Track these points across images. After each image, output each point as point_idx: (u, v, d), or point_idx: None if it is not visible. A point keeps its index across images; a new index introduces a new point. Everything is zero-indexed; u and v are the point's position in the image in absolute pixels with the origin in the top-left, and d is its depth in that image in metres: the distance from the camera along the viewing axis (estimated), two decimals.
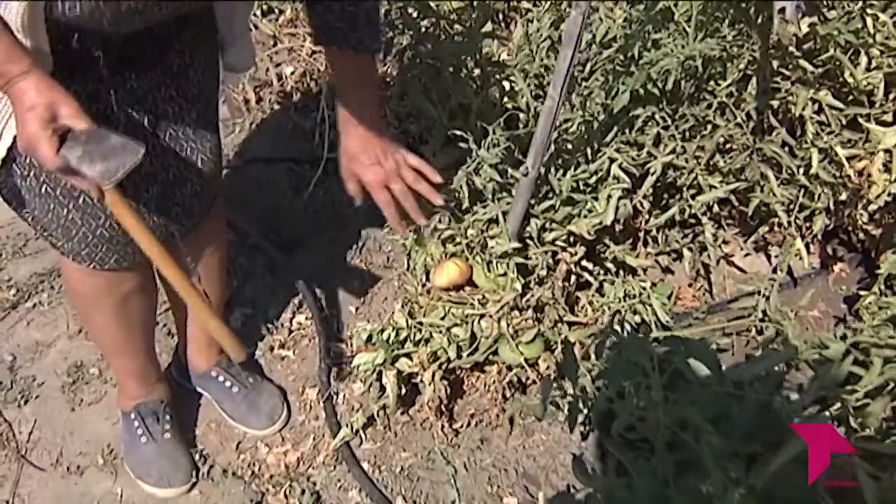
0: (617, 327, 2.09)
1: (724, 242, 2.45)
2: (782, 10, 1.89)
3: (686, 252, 2.36)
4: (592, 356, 2.01)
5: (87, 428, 2.17)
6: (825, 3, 2.03)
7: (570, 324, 2.12)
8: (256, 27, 3.24)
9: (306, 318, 2.42)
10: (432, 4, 2.24)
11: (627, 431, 1.46)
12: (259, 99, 3.05)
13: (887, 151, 1.95)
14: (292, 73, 3.04)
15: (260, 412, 2.17)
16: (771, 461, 1.24)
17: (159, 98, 1.56)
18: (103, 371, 2.29)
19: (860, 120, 2.03)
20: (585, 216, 2.02)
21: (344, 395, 2.24)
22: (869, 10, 2.00)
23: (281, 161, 2.89)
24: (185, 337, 2.18)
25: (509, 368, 2.10)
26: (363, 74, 1.63)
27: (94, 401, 2.23)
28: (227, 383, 2.17)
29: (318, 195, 2.76)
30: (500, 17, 2.83)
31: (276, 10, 3.24)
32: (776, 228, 2.39)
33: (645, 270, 2.41)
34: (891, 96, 2.15)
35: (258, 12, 3.23)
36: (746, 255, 2.48)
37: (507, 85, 2.12)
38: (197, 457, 2.10)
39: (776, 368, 1.32)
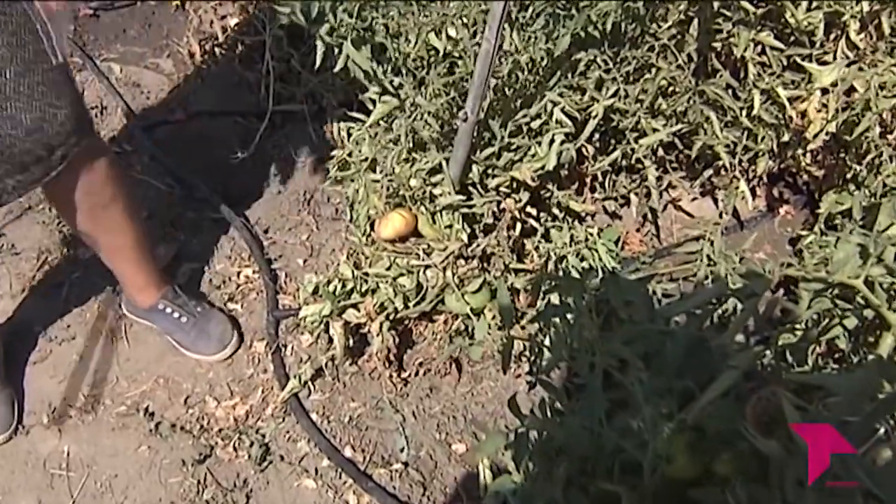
0: (562, 273, 2.10)
1: (672, 187, 2.45)
2: None
3: (633, 197, 2.37)
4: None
5: (31, 387, 2.15)
6: None
7: (517, 271, 2.12)
8: None
9: (253, 272, 2.40)
10: None
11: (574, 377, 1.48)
12: (203, 52, 3.00)
13: (824, 90, 1.95)
14: (237, 25, 2.98)
15: (210, 338, 2.20)
16: (701, 396, 1.25)
17: None
18: (48, 330, 2.26)
19: (799, 61, 2.03)
20: (528, 161, 2.01)
21: (292, 348, 2.24)
22: None
23: (226, 114, 2.84)
24: (119, 276, 2.17)
25: (456, 317, 2.10)
26: None
27: (39, 360, 2.20)
28: (175, 314, 2.20)
29: (265, 148, 2.73)
30: None
31: None
32: (722, 172, 2.40)
33: (593, 216, 2.42)
34: (831, 36, 2.14)
35: None
36: (693, 199, 2.49)
37: (447, 33, 2.09)
38: (142, 414, 2.09)
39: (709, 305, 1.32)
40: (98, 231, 1.98)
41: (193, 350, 2.21)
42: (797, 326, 1.46)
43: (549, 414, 1.41)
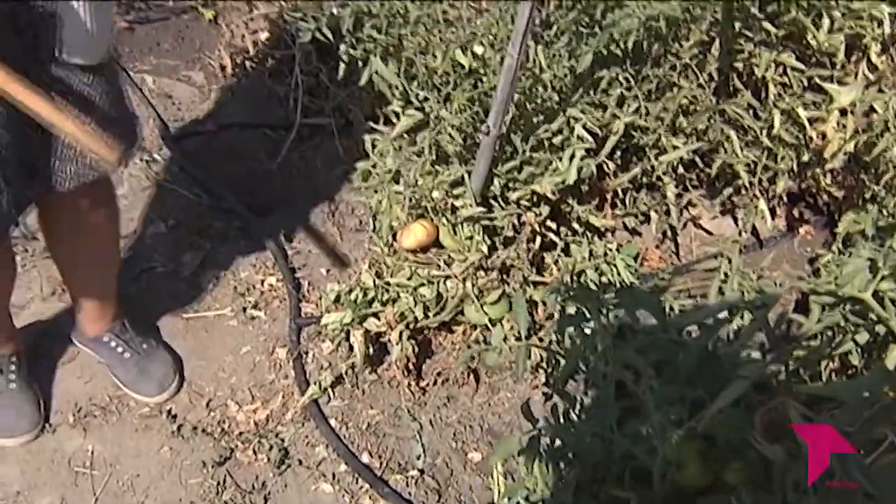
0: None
1: (692, 205, 2.47)
2: None
3: (653, 214, 2.39)
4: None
5: (59, 387, 2.19)
6: None
7: (536, 284, 2.15)
8: None
9: (277, 280, 2.44)
10: None
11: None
12: (234, 65, 3.06)
13: (843, 111, 1.98)
14: (267, 39, 3.05)
15: (151, 379, 2.16)
16: (711, 405, 1.27)
17: None
18: None
19: (818, 81, 2.05)
20: (549, 175, 2.04)
21: (313, 355, 2.27)
22: None
23: (256, 127, 2.90)
24: (77, 303, 2.16)
25: (475, 328, 2.14)
26: None
27: (67, 360, 2.25)
28: (119, 349, 2.17)
29: (293, 160, 2.79)
30: None
31: None
32: (743, 191, 2.42)
33: (613, 232, 2.44)
34: (852, 58, 2.17)
35: None
36: (713, 217, 2.50)
37: (473, 49, 2.14)
38: (165, 416, 2.13)
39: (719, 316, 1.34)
40: (77, 263, 1.97)
41: (132, 388, 2.17)
42: (811, 343, 1.48)
43: (561, 420, 1.43)
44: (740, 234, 2.41)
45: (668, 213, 2.37)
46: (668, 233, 2.47)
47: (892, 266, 1.20)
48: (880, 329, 1.38)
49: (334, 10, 2.48)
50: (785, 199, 2.49)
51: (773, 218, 2.43)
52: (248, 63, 3.06)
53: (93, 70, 1.57)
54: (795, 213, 2.56)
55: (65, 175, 1.66)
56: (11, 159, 1.55)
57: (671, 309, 2.21)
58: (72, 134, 1.44)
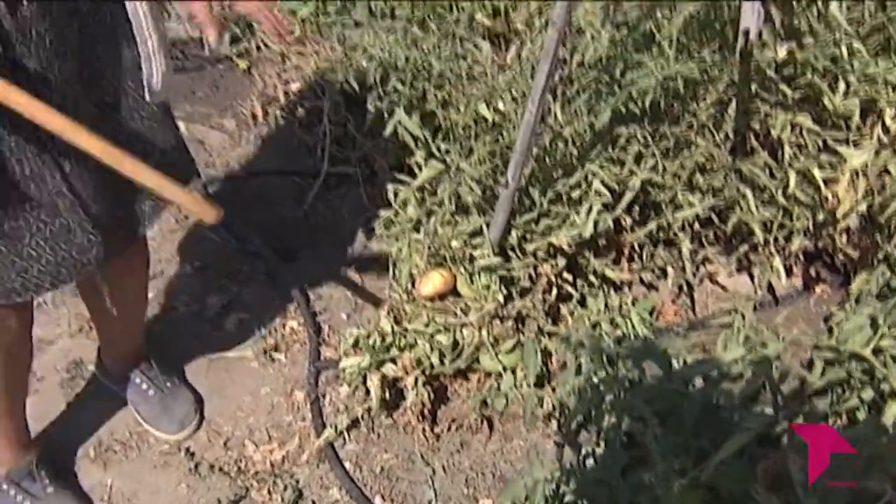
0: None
1: (708, 261, 2.50)
2: (747, 32, 1.96)
3: (669, 269, 2.42)
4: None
5: (81, 421, 2.25)
6: (798, 28, 2.10)
7: (551, 334, 2.19)
8: (267, 45, 3.36)
9: (299, 324, 2.49)
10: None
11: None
12: (266, 114, 3.15)
13: (856, 172, 2.01)
14: (299, 90, 3.14)
15: (172, 417, 2.20)
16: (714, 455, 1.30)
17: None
18: None
19: (831, 142, 2.09)
20: (566, 228, 2.09)
21: (331, 398, 2.31)
22: (845, 38, 2.07)
23: (284, 174, 2.98)
24: (105, 341, 2.21)
25: (489, 376, 2.17)
26: None
27: (91, 395, 2.31)
28: (144, 386, 2.20)
29: (319, 207, 2.85)
30: (499, 40, 2.92)
31: None
32: (759, 249, 2.45)
33: (629, 286, 2.47)
34: (868, 121, 2.21)
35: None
36: (730, 274, 2.53)
37: (495, 104, 2.21)
38: (183, 454, 2.18)
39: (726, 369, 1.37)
40: (108, 305, 1.97)
41: (153, 425, 2.21)
42: (821, 399, 1.50)
43: (569, 467, 1.46)
44: (756, 291, 2.43)
45: (684, 268, 2.40)
46: (685, 288, 2.50)
47: (893, 323, 1.23)
48: (886, 386, 1.40)
49: (363, 63, 2.57)
50: (801, 257, 2.51)
51: (788, 276, 2.45)
52: (278, 112, 3.15)
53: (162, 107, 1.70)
54: (812, 271, 2.57)
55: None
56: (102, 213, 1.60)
57: (684, 362, 2.23)
58: (174, 198, 1.50)
